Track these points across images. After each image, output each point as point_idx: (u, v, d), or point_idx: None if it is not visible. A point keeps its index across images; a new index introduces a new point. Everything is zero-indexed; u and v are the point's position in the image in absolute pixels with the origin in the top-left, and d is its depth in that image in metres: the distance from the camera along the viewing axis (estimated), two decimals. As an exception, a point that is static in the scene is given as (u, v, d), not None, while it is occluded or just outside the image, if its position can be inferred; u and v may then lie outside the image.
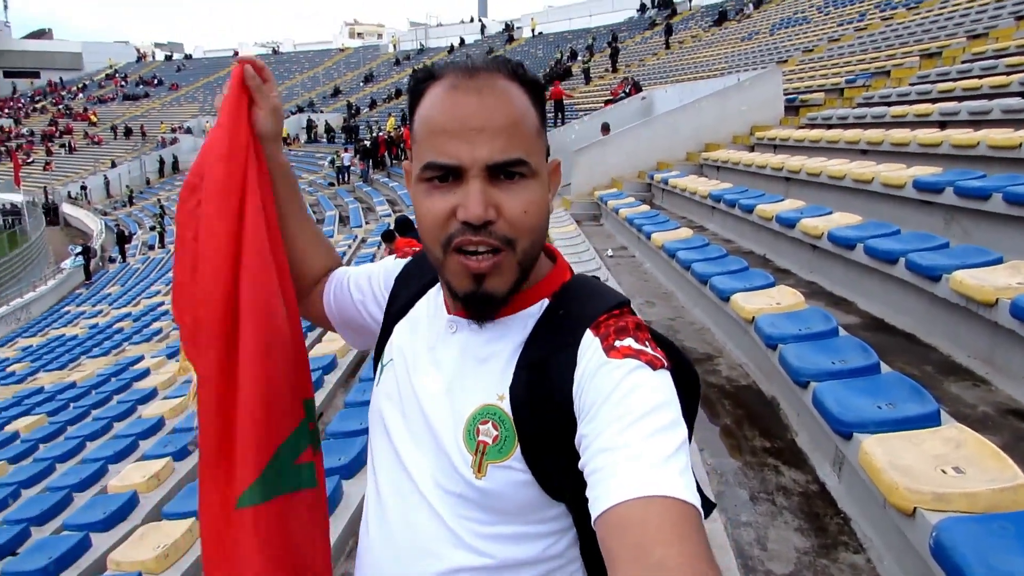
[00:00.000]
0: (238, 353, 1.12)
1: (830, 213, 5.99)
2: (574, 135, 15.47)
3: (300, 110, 45.61)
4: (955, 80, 9.22)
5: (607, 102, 19.33)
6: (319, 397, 6.30)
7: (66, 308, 21.01)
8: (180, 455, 5.59)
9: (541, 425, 0.90)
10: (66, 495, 5.48)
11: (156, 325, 13.82)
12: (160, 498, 5.00)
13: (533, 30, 50.43)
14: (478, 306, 0.93)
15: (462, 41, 52.56)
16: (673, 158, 12.55)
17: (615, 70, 30.05)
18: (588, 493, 0.81)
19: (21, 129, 56.38)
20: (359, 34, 77.98)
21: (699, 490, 0.81)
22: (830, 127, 9.98)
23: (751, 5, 31.32)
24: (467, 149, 0.86)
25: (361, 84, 51.48)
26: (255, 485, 1.10)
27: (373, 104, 42.99)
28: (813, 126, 10.62)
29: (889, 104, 9.68)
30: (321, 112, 43.61)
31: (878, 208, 6.26)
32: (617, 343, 0.89)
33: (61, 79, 70.08)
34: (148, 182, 41.01)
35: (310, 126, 40.30)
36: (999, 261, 3.94)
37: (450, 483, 0.94)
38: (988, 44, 10.57)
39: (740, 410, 3.89)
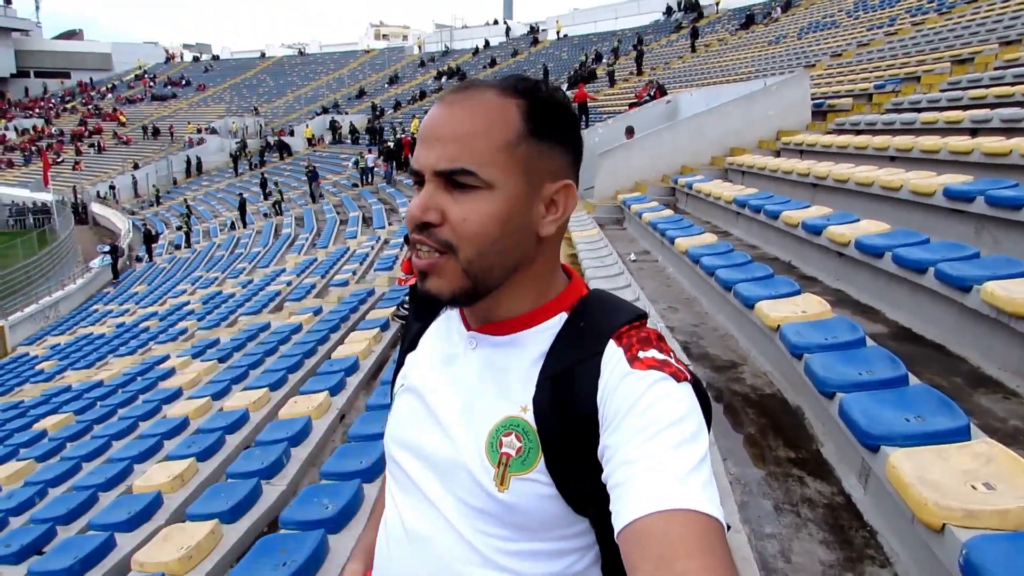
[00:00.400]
0: None
1: (857, 220, 5.91)
2: (598, 138, 15.40)
3: (325, 111, 45.93)
4: (987, 87, 9.09)
5: (631, 105, 19.26)
6: (341, 399, 6.34)
7: (94, 307, 21.28)
8: (204, 455, 5.63)
9: (565, 435, 0.90)
10: (92, 494, 5.53)
11: (182, 324, 13.95)
12: (184, 499, 5.03)
13: (558, 32, 50.36)
14: (424, 303, 1.00)
15: (487, 43, 52.60)
16: (698, 162, 12.48)
17: (640, 73, 29.95)
18: (611, 507, 0.81)
19: (51, 129, 57.24)
20: (384, 36, 78.23)
21: None
22: (858, 133, 9.88)
23: (779, 9, 31.13)
24: (424, 155, 0.92)
25: (386, 85, 51.71)
26: None
27: (398, 106, 43.16)
28: (841, 132, 10.51)
29: (919, 110, 9.57)
30: (346, 113, 43.84)
31: (907, 216, 6.18)
32: (641, 354, 0.89)
33: (91, 79, 71.02)
34: (175, 182, 41.51)
35: (334, 127, 40.56)
36: (1031, 272, 3.87)
37: (472, 497, 0.94)
38: (1021, 51, 10.41)
39: (764, 419, 3.85)
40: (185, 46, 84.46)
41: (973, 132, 7.58)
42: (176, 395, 8.09)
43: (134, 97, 64.25)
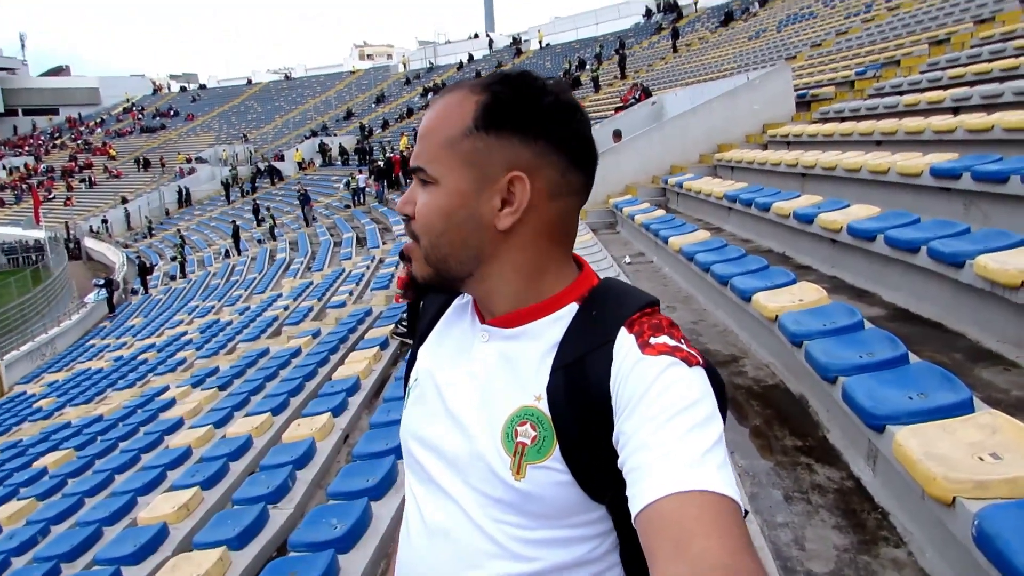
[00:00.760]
0: None
1: (848, 206, 5.92)
2: (586, 143, 15.41)
3: (314, 134, 46.00)
4: (965, 65, 9.16)
5: (617, 109, 19.32)
6: (344, 420, 6.31)
7: (91, 341, 21.20)
8: (208, 484, 5.59)
9: (579, 423, 0.91)
10: (96, 529, 5.46)
11: (180, 355, 13.89)
12: (190, 528, 4.98)
13: (540, 42, 50.64)
14: (418, 285, 1.05)
15: (471, 57, 52.77)
16: (686, 161, 12.50)
17: (624, 77, 30.07)
18: (627, 492, 0.82)
19: (41, 166, 57.23)
20: (369, 55, 78.56)
21: None
22: (843, 120, 9.90)
23: (757, 3, 31.32)
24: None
25: (373, 105, 51.85)
26: None
27: (385, 124, 43.23)
28: (826, 120, 10.53)
29: (901, 93, 9.61)
30: (335, 135, 43.88)
31: (896, 198, 6.19)
32: (652, 340, 0.89)
33: (80, 114, 71.08)
34: (167, 212, 41.48)
35: (324, 150, 40.61)
36: (1021, 243, 3.88)
37: (489, 487, 0.94)
38: (995, 28, 10.53)
39: (769, 410, 3.84)
40: (172, 76, 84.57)
41: (955, 111, 7.61)
42: (177, 425, 8.03)
43: (123, 130, 64.30)
